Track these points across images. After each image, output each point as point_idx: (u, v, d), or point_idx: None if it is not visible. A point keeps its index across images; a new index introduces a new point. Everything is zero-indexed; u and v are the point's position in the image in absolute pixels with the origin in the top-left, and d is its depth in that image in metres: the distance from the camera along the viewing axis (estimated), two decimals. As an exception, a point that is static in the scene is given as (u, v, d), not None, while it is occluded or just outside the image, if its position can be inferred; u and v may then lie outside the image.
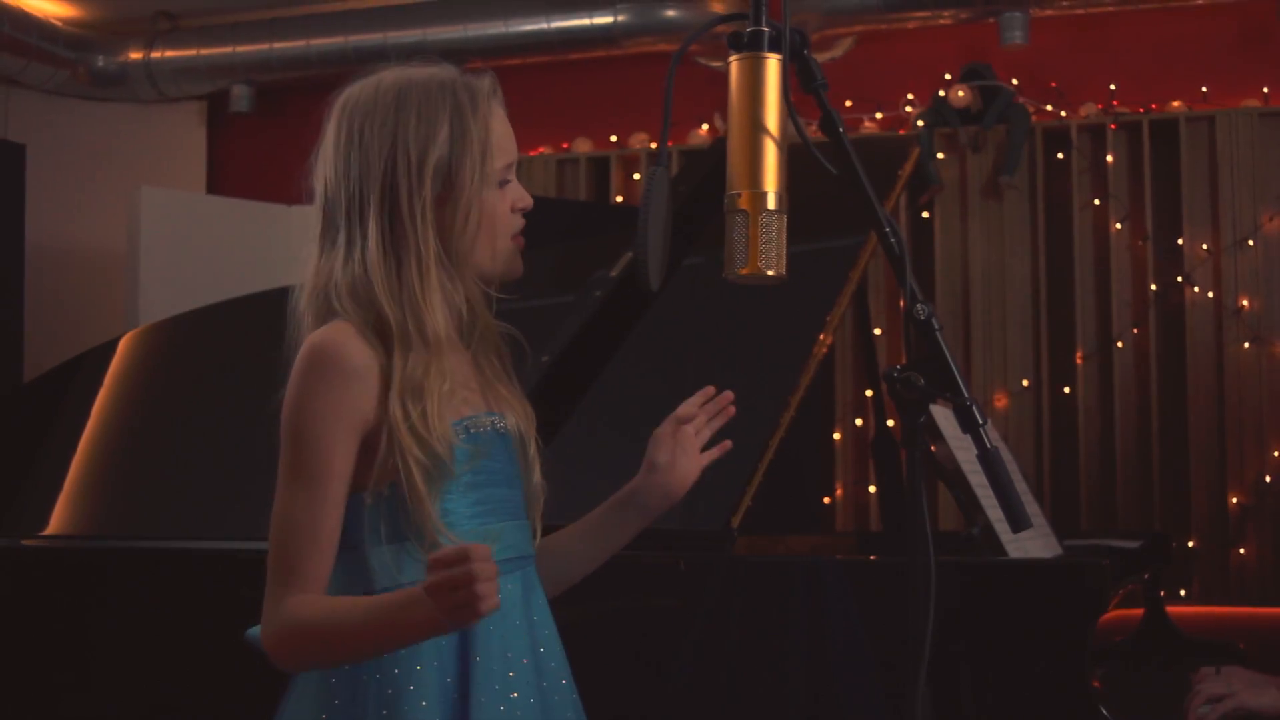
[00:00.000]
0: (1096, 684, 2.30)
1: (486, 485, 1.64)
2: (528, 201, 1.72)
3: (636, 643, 2.47)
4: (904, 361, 4.97)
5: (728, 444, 1.84)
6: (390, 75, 1.67)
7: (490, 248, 1.68)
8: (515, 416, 1.71)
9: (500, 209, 1.68)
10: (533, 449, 1.73)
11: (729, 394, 1.83)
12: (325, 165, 1.67)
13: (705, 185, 3.17)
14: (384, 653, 1.57)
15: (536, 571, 1.73)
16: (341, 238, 1.64)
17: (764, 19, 1.56)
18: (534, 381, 2.13)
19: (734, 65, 1.56)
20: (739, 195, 1.54)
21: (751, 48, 1.55)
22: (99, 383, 3.54)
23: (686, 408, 1.82)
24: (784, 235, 1.55)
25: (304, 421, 1.57)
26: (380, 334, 1.62)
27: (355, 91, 1.67)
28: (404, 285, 1.62)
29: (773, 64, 1.55)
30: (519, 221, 1.71)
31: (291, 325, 1.68)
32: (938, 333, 1.52)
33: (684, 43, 1.67)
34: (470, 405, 1.67)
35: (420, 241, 1.62)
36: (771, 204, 1.53)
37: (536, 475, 1.73)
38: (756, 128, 1.54)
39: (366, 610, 1.52)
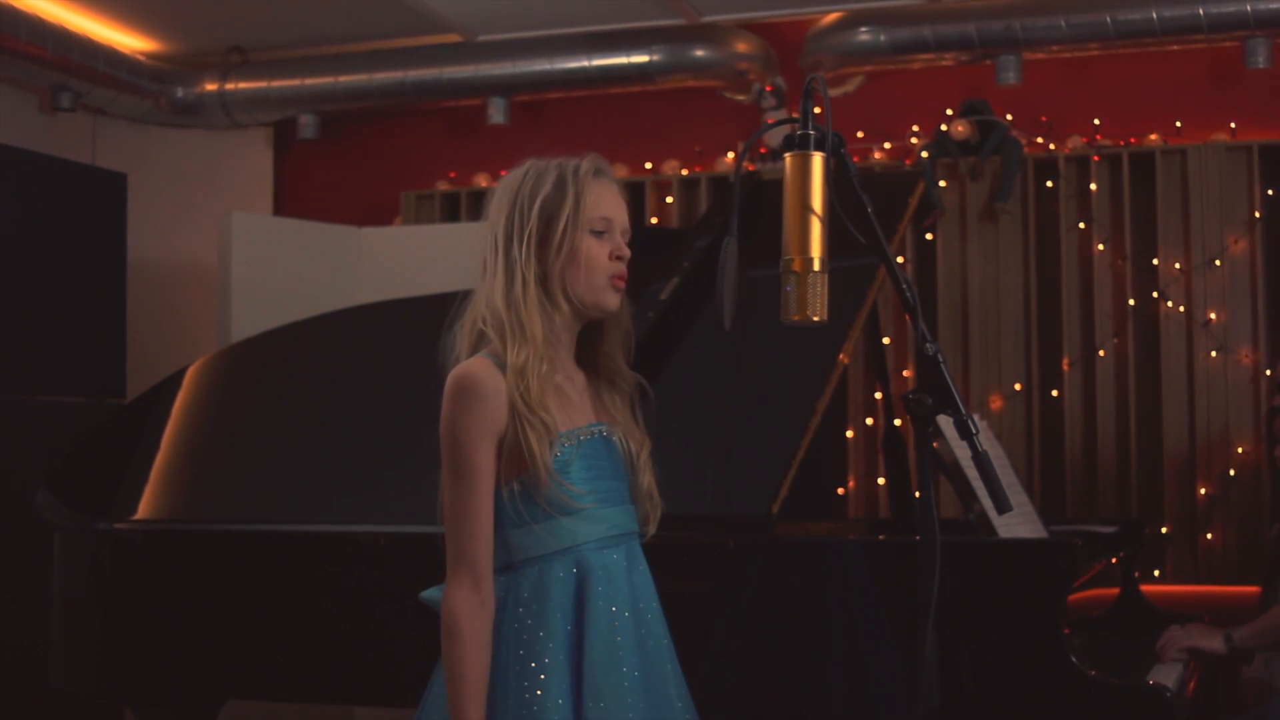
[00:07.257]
0: (1066, 630, 2.58)
1: (597, 478, 2.03)
2: (624, 252, 2.07)
3: (690, 609, 2.61)
4: (909, 371, 5.40)
5: None
6: (529, 161, 2.11)
7: (585, 282, 2.04)
8: (625, 434, 2.11)
9: (597, 254, 2.04)
10: (641, 460, 2.10)
11: None
12: (485, 224, 2.10)
13: (739, 214, 3.43)
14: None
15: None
16: (486, 271, 2.06)
17: (811, 124, 1.83)
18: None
19: (788, 160, 1.82)
20: (793, 260, 1.80)
21: (801, 147, 1.83)
22: (170, 405, 3.86)
23: None
24: (826, 289, 1.80)
25: (454, 434, 1.96)
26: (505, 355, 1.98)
27: (507, 175, 2.12)
28: (513, 295, 2.01)
29: (817, 160, 1.82)
30: (616, 267, 2.06)
31: (448, 337, 2.08)
32: (942, 365, 1.80)
33: (746, 144, 2.01)
34: (584, 417, 2.08)
35: (524, 266, 2.02)
36: (817, 266, 1.80)
37: (645, 479, 2.10)
38: (805, 208, 1.82)
39: (466, 700, 1.90)
